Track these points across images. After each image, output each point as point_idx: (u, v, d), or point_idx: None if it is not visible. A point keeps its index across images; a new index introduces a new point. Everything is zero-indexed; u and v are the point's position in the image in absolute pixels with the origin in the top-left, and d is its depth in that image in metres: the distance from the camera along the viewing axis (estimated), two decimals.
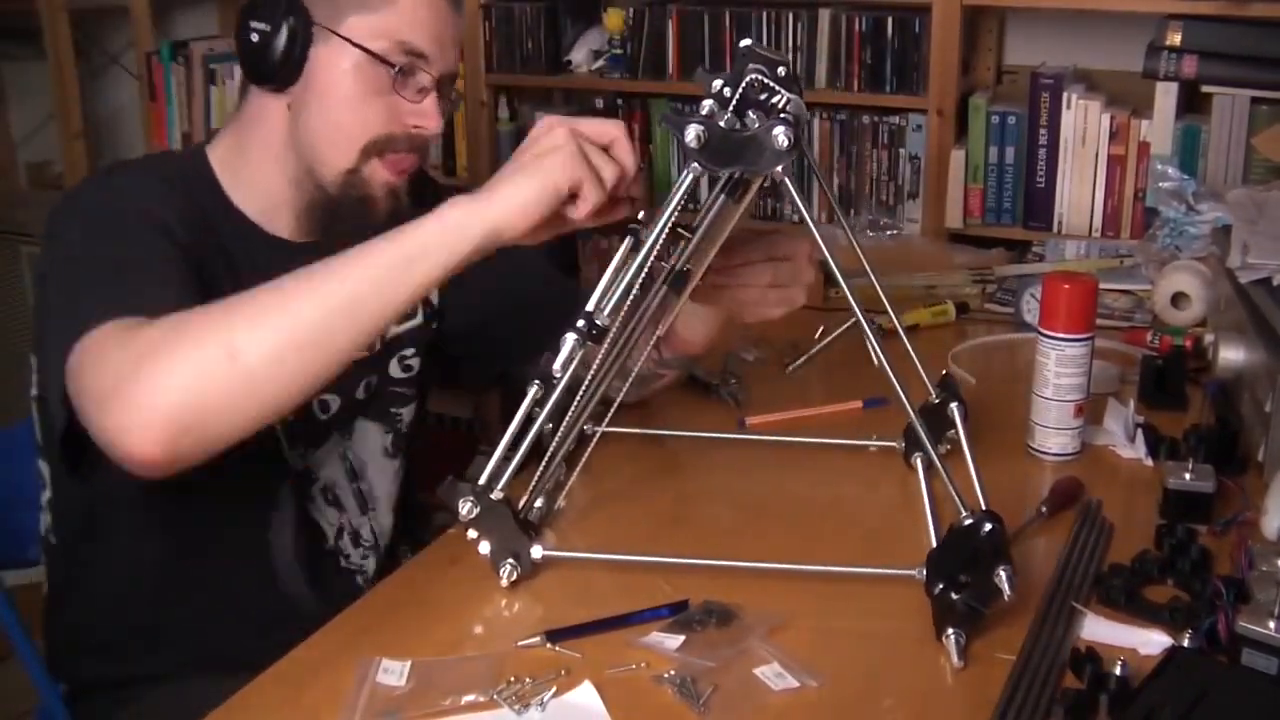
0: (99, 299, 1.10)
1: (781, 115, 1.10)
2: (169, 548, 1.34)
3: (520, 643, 1.07)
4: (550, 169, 1.07)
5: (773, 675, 1.03)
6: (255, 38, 1.25)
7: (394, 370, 1.44)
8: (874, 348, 1.29)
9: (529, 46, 2.76)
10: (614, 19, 2.68)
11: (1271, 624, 1.00)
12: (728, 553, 1.19)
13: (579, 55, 2.79)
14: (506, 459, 1.17)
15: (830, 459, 1.42)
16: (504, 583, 1.16)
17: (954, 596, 1.05)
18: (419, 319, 1.45)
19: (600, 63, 2.75)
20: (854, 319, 1.33)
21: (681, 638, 1.07)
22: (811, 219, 1.17)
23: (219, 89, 2.93)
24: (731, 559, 1.18)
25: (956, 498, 1.09)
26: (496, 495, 1.16)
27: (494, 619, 1.13)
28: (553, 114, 1.15)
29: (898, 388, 1.13)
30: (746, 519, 1.31)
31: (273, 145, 1.30)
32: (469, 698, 1.00)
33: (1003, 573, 1.04)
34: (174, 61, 2.95)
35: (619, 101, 2.77)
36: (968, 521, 1.06)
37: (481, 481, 1.15)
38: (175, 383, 1.00)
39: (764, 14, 2.58)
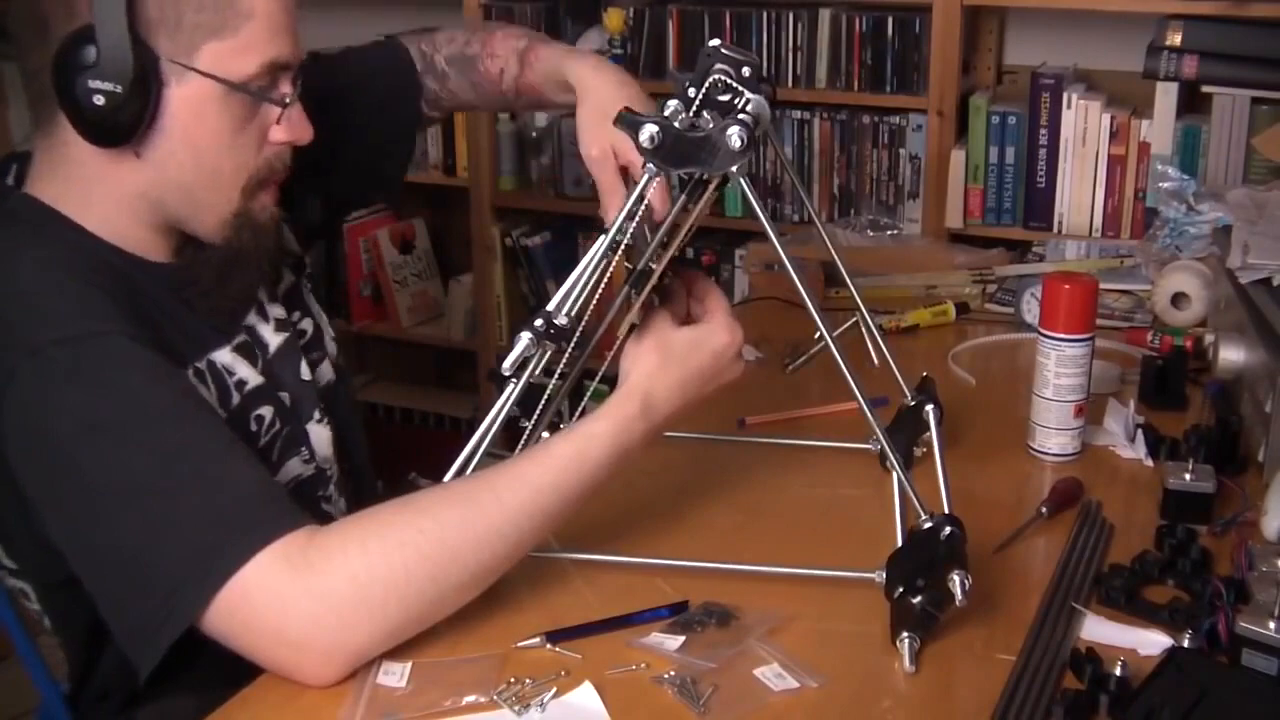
0: (217, 521, 1.00)
1: (740, 116, 1.09)
2: None
3: (520, 643, 1.07)
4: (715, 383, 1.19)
5: (772, 676, 1.03)
6: (100, 100, 1.07)
7: (309, 321, 1.38)
8: (873, 346, 1.30)
9: None
10: (614, 19, 2.68)
11: (1271, 624, 1.00)
12: (724, 553, 1.19)
13: None
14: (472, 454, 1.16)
15: (829, 459, 1.42)
16: None
17: (913, 600, 1.04)
18: (290, 278, 1.37)
19: None
20: (855, 319, 1.34)
21: (681, 638, 1.07)
22: (766, 219, 1.16)
23: None
24: (727, 560, 1.18)
25: (916, 501, 1.08)
26: None
27: (494, 620, 1.12)
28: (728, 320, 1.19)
29: (858, 394, 1.11)
30: (744, 519, 1.31)
31: (121, 198, 1.16)
32: (469, 698, 1.00)
33: (956, 577, 1.03)
34: None
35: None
36: (927, 525, 1.06)
37: (448, 478, 1.15)
38: (362, 644, 1.02)
39: (764, 14, 2.58)
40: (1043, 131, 2.41)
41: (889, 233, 2.41)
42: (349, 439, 1.40)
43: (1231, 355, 1.48)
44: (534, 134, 2.87)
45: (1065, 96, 2.38)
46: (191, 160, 1.14)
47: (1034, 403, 1.41)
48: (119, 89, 1.07)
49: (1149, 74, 2.27)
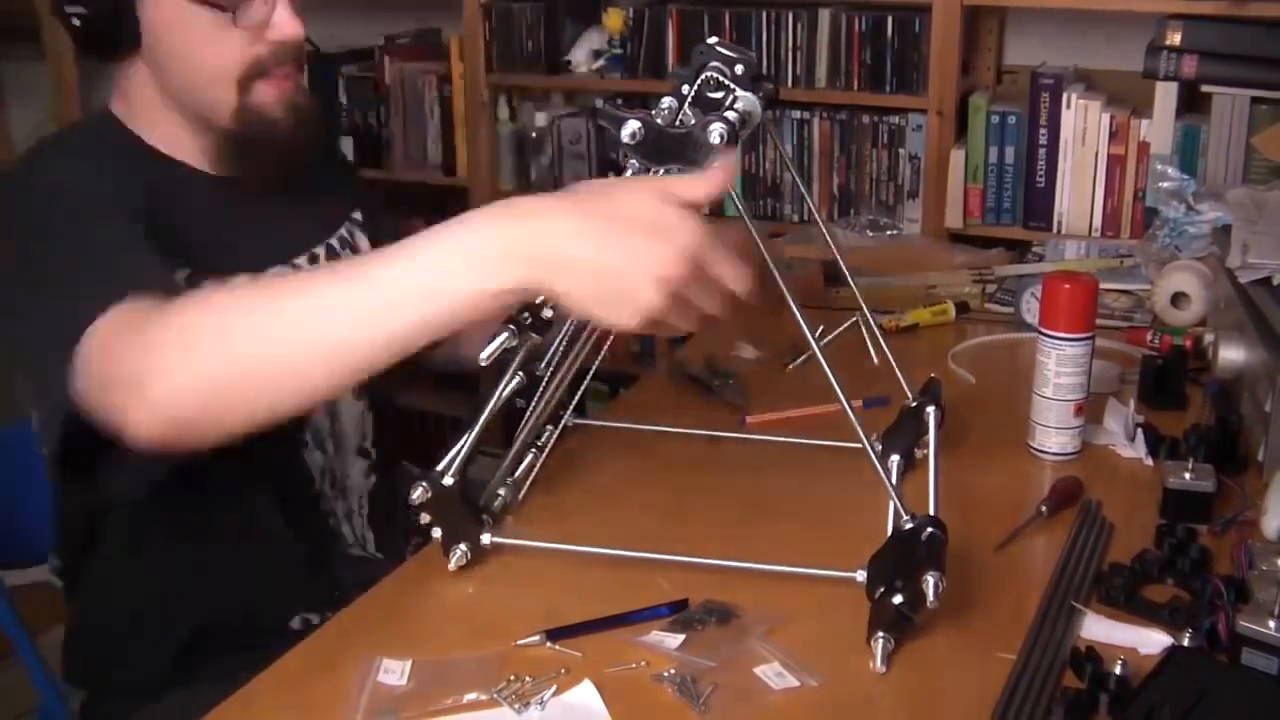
0: (92, 289, 1.05)
1: (725, 113, 1.09)
2: (171, 534, 1.32)
3: (520, 642, 1.07)
4: (635, 279, 0.88)
5: (773, 674, 1.03)
6: (77, 21, 1.20)
7: None
8: (873, 345, 1.30)
9: (529, 46, 2.76)
10: (614, 19, 2.68)
11: (1271, 623, 1.00)
12: (724, 551, 1.19)
13: (579, 55, 2.79)
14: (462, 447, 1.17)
15: (829, 458, 1.42)
16: (452, 567, 1.18)
17: (894, 601, 1.04)
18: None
19: (600, 63, 2.75)
20: (855, 318, 1.34)
21: (681, 637, 1.07)
22: (747, 216, 1.16)
23: None
24: (726, 558, 1.18)
25: (896, 502, 1.07)
26: (449, 481, 1.16)
27: (494, 618, 1.12)
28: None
29: (841, 396, 1.10)
30: (744, 517, 1.31)
31: (156, 102, 1.28)
32: (469, 697, 1.00)
33: (930, 579, 1.01)
34: None
35: (619, 101, 2.77)
36: (909, 526, 1.05)
37: (439, 468, 1.16)
38: (183, 384, 0.97)
39: (764, 14, 2.58)
40: (1042, 131, 2.41)
41: (889, 233, 2.41)
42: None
43: (1231, 355, 1.48)
44: (534, 134, 2.87)
45: (1065, 96, 2.38)
46: (178, 67, 1.24)
47: (1034, 402, 1.41)
48: (88, 9, 1.19)
49: (1149, 74, 2.27)
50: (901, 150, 2.56)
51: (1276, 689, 0.99)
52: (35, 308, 1.11)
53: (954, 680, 1.05)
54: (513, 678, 1.02)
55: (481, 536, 1.19)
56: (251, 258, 1.31)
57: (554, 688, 1.01)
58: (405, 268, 0.92)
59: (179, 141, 1.30)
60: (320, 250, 1.42)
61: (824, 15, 2.55)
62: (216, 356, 0.97)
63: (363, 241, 1.48)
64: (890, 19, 2.50)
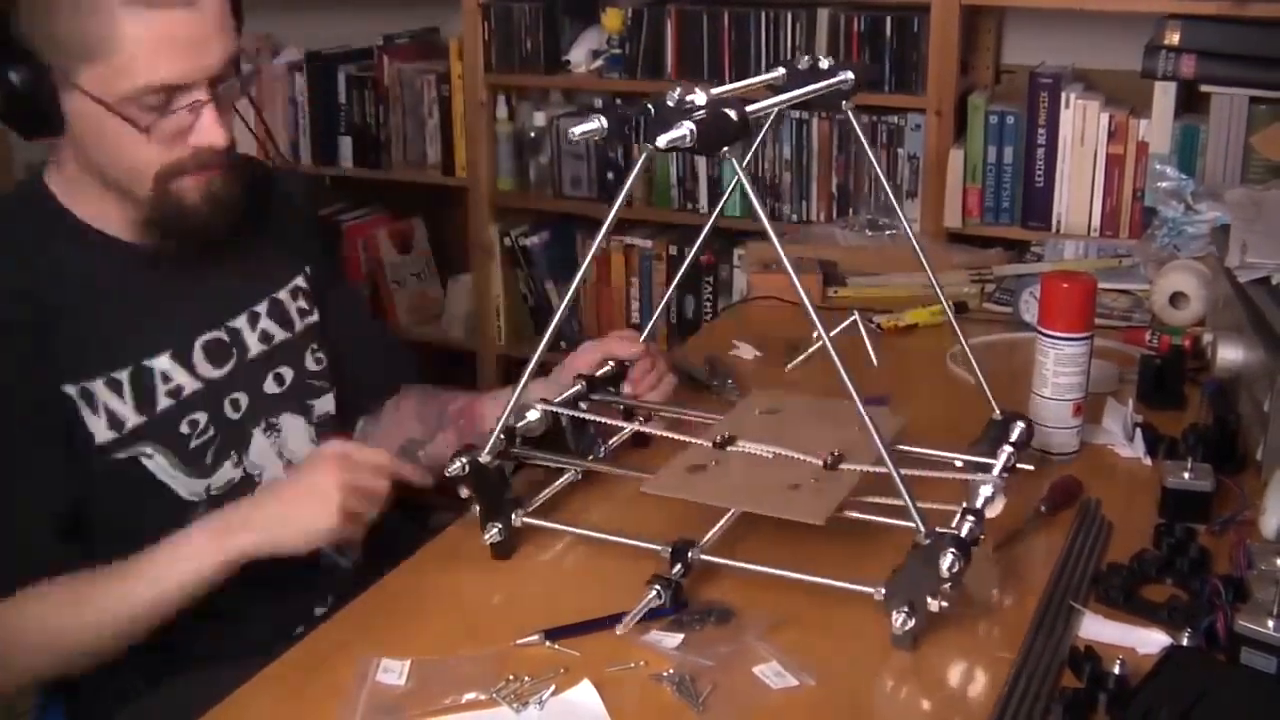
0: None
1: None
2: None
3: (519, 641, 1.07)
4: (302, 526, 1.21)
5: (771, 674, 1.03)
6: (4, 105, 1.22)
7: (309, 363, 1.46)
8: (870, 349, 1.30)
9: (528, 46, 2.76)
10: (613, 19, 2.68)
11: (1270, 623, 1.00)
12: (724, 550, 1.19)
13: (578, 55, 2.79)
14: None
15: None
16: (485, 541, 1.21)
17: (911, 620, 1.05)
18: (316, 318, 1.48)
19: (599, 62, 2.75)
20: (851, 318, 1.34)
21: (680, 636, 1.07)
22: (765, 220, 1.14)
23: None
24: (727, 558, 1.18)
25: (912, 512, 1.06)
26: (486, 458, 1.20)
27: (493, 618, 1.13)
28: None
29: (852, 389, 1.09)
30: (743, 517, 1.31)
31: (83, 173, 1.29)
32: (469, 696, 1.00)
33: (949, 556, 1.02)
34: None
35: (617, 101, 2.77)
36: (926, 542, 1.05)
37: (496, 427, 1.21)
38: None
39: (762, 14, 2.58)
40: (1041, 131, 2.41)
41: (887, 233, 2.40)
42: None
43: (1230, 354, 1.48)
44: (532, 134, 2.87)
45: (1063, 96, 2.38)
46: (99, 157, 1.26)
47: (1032, 401, 1.41)
48: (16, 95, 1.21)
49: (1147, 73, 2.27)
50: (900, 150, 2.56)
51: (1275, 688, 0.99)
52: None
53: (954, 679, 1.05)
54: (512, 677, 1.02)
55: (513, 516, 1.23)
56: (186, 323, 1.35)
57: (553, 687, 1.01)
58: (165, 565, 1.21)
59: (106, 215, 1.31)
60: (261, 308, 1.42)
61: (823, 15, 2.55)
62: (26, 661, 1.23)
63: (308, 297, 1.48)
64: (889, 19, 2.50)
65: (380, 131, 2.98)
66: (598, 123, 1.09)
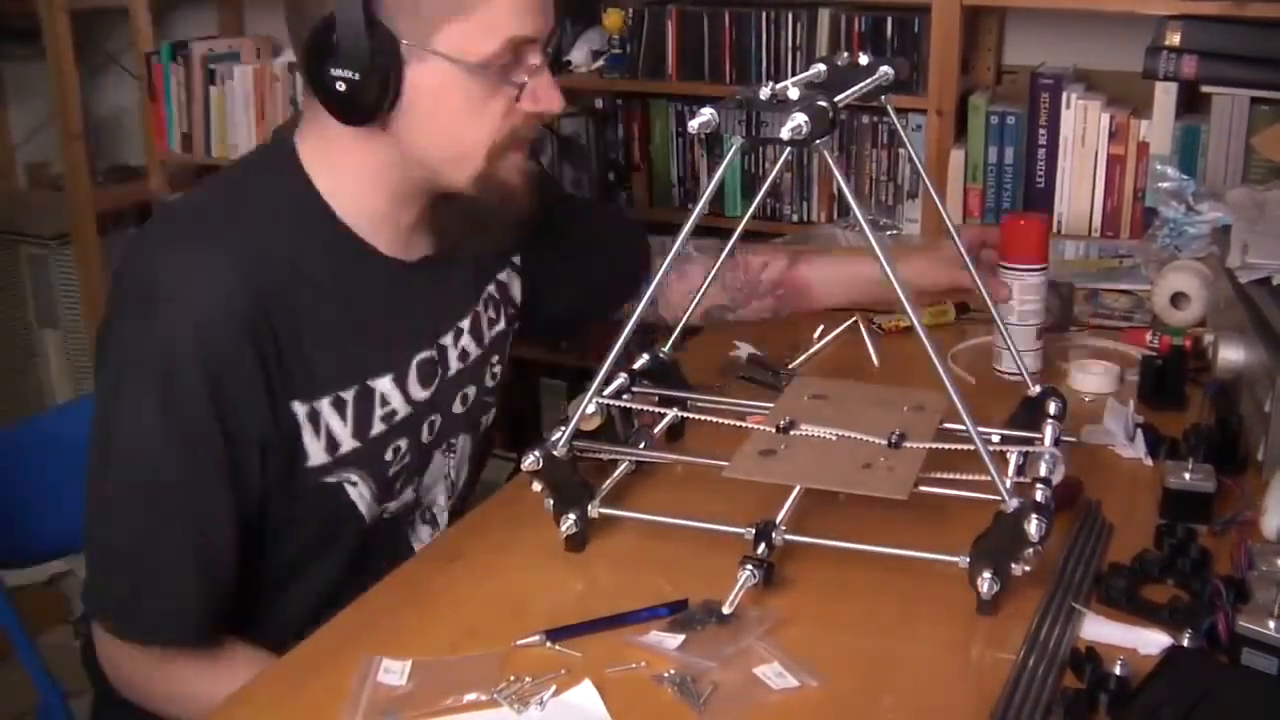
0: (113, 592, 1.19)
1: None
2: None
3: (520, 641, 1.07)
4: None
5: (773, 674, 1.03)
6: (342, 86, 1.13)
7: (487, 380, 1.42)
8: (871, 350, 1.30)
9: None
10: (613, 19, 2.67)
11: (1271, 624, 1.00)
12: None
13: (578, 55, 2.78)
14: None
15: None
16: (563, 533, 1.21)
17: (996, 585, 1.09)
18: (502, 325, 1.42)
19: (600, 63, 2.75)
20: (853, 319, 1.34)
21: (681, 637, 1.07)
22: (866, 224, 1.16)
23: (219, 89, 2.92)
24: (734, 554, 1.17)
25: (999, 482, 1.09)
26: (560, 451, 1.19)
27: (494, 618, 1.13)
28: None
29: (941, 369, 1.10)
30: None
31: (370, 167, 1.21)
32: (469, 697, 1.00)
33: (1035, 519, 1.07)
34: (174, 62, 2.95)
35: (618, 102, 2.77)
36: (1012, 508, 1.09)
37: (552, 439, 1.19)
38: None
39: (763, 14, 2.58)
40: (1042, 131, 2.41)
41: (889, 233, 2.41)
42: (467, 469, 1.44)
43: (1231, 355, 1.48)
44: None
45: (1065, 96, 2.38)
46: (433, 134, 1.18)
47: (1002, 330, 1.44)
48: (357, 75, 1.12)
49: (1148, 74, 2.26)
50: (901, 150, 2.56)
51: (1276, 689, 0.99)
52: (93, 521, 1.19)
53: (954, 680, 1.05)
54: (513, 678, 1.02)
55: (589, 507, 1.22)
56: (407, 340, 1.30)
57: (554, 688, 1.01)
58: None
59: (370, 218, 1.24)
60: (465, 323, 1.37)
61: (823, 15, 2.55)
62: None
63: (515, 286, 1.44)
64: (890, 19, 2.50)
65: None
66: (710, 114, 1.06)
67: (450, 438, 1.38)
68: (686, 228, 1.18)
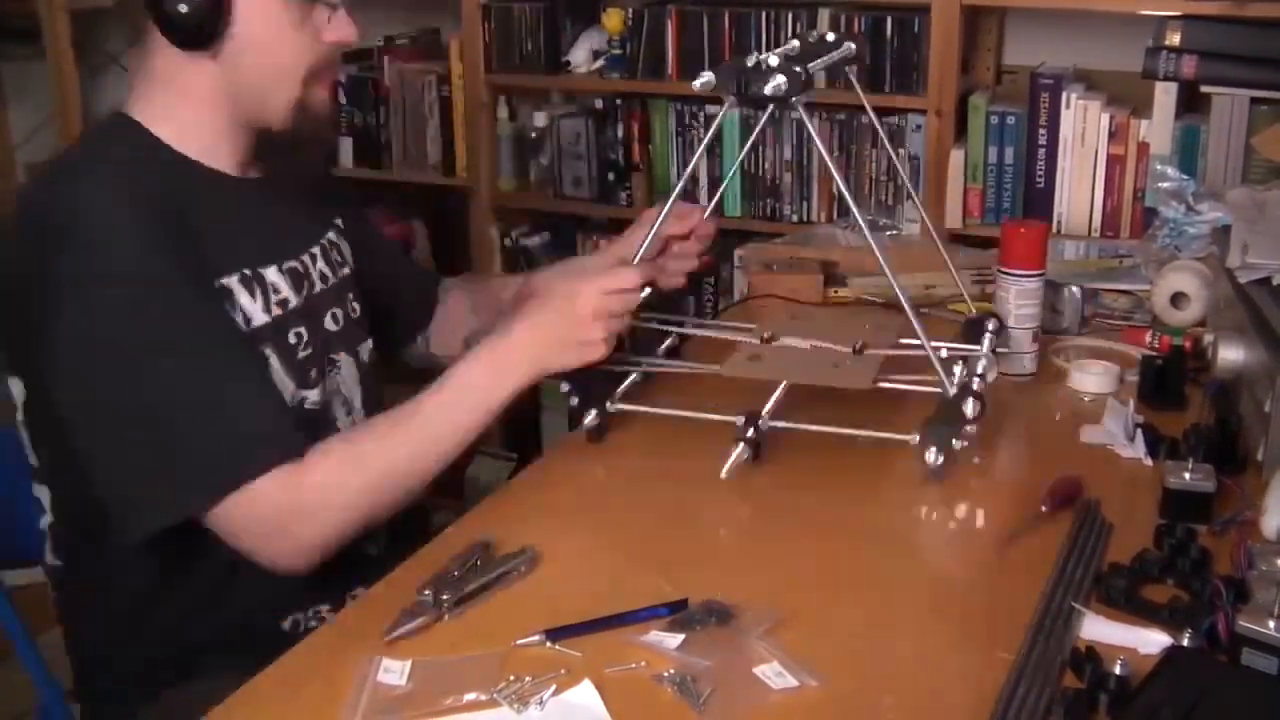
0: (219, 449, 1.23)
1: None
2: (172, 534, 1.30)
3: (520, 641, 1.07)
4: (577, 357, 1.36)
5: (772, 674, 1.03)
6: (183, 8, 1.26)
7: (350, 310, 1.49)
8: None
9: (528, 46, 2.76)
10: (613, 19, 2.68)
11: (1271, 624, 1.00)
12: (734, 546, 1.18)
13: (578, 55, 2.79)
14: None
15: (836, 455, 1.42)
16: (586, 426, 1.43)
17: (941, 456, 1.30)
18: (347, 271, 1.51)
19: (600, 63, 2.75)
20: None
21: (681, 637, 1.07)
22: (866, 228, 1.40)
23: None
24: (737, 553, 1.18)
25: (941, 374, 1.33)
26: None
27: (494, 617, 1.12)
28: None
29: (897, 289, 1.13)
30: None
31: (203, 99, 1.32)
32: (469, 696, 1.00)
33: (971, 400, 1.31)
34: None
35: (618, 102, 2.77)
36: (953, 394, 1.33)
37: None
38: (334, 532, 1.27)
39: (763, 14, 2.58)
40: (1042, 131, 2.41)
41: (888, 233, 2.40)
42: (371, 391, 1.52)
43: (1231, 355, 1.48)
44: (533, 134, 2.87)
45: (1064, 96, 2.38)
46: (258, 58, 1.31)
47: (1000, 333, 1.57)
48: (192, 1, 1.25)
49: (1148, 74, 2.27)
50: (901, 150, 2.56)
51: (1276, 689, 0.99)
52: (139, 428, 1.23)
53: (954, 680, 1.05)
54: (512, 678, 1.02)
55: (607, 404, 1.44)
56: (253, 256, 1.36)
57: (554, 688, 1.01)
58: (482, 389, 1.34)
59: (202, 142, 1.35)
60: (316, 250, 1.45)
61: (823, 15, 2.55)
62: (357, 503, 1.28)
63: (344, 247, 1.52)
64: (889, 19, 2.50)
65: (381, 132, 2.98)
66: (709, 76, 1.34)
67: (332, 353, 1.45)
68: (673, 195, 1.49)
